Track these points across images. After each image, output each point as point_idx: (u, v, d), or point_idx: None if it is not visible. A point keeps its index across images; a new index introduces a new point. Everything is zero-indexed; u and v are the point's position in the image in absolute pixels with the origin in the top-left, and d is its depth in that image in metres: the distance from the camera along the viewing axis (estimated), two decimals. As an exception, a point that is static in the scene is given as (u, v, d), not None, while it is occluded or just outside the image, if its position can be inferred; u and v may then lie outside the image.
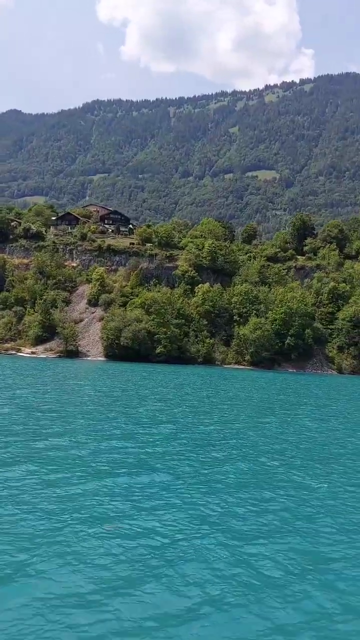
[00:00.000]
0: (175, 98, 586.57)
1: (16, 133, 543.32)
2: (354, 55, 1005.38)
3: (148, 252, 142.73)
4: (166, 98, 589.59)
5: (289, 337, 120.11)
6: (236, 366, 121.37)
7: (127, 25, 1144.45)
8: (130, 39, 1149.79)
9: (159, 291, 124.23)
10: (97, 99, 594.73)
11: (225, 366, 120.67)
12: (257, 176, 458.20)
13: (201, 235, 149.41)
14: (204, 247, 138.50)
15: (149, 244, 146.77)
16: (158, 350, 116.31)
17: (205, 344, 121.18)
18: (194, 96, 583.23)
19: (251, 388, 70.14)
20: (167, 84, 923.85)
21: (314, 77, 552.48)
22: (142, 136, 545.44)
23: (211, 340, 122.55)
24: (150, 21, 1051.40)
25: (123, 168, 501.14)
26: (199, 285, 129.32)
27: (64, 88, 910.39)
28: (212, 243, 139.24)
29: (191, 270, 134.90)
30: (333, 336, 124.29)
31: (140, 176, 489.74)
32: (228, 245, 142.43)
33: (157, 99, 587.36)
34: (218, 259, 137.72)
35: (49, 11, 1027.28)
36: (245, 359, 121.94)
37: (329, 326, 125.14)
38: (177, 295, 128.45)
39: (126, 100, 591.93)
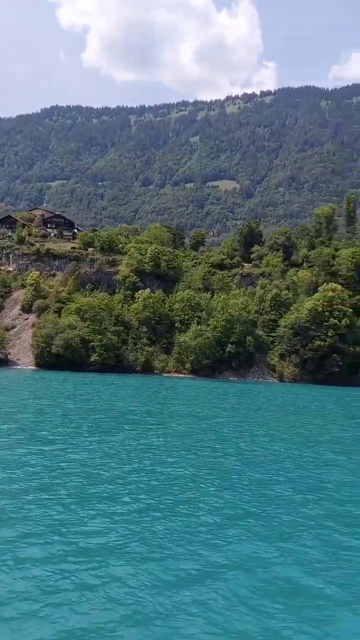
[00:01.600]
0: (137, 106, 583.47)
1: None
2: (313, 69, 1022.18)
3: (89, 256, 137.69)
4: (127, 106, 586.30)
5: (229, 345, 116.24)
6: (176, 375, 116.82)
7: (88, 32, 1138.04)
8: (91, 46, 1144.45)
9: (95, 296, 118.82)
10: (57, 105, 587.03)
11: (164, 375, 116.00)
12: (217, 186, 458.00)
13: (147, 241, 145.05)
14: (146, 252, 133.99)
15: (90, 249, 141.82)
16: (92, 359, 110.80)
17: (144, 352, 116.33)
18: (155, 105, 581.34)
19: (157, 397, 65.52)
20: (129, 93, 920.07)
21: (275, 90, 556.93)
22: (102, 143, 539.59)
23: (150, 348, 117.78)
24: (113, 30, 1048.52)
25: (82, 175, 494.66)
26: (140, 291, 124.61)
27: (23, 93, 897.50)
28: (155, 248, 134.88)
29: (132, 276, 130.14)
30: (275, 344, 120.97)
31: (99, 183, 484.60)
32: (172, 251, 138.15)
33: (117, 107, 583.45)
34: (161, 265, 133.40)
35: (7, 14, 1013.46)
36: (186, 367, 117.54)
37: (271, 334, 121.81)
38: (116, 301, 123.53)
39: (86, 107, 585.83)
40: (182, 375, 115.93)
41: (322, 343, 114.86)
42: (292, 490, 21.43)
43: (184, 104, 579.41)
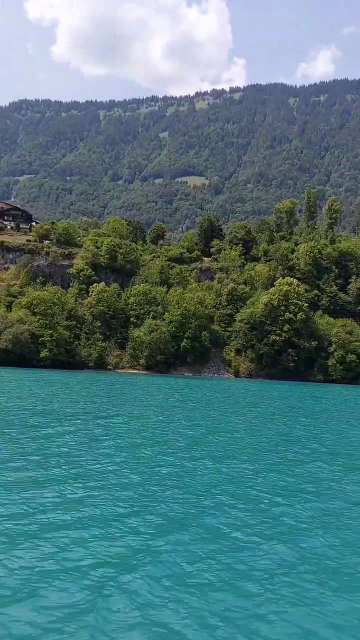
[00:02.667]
0: (106, 101, 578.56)
1: None
2: (283, 66, 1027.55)
3: (45, 249, 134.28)
4: (96, 100, 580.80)
5: (184, 340, 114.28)
6: (130, 370, 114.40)
7: (57, 26, 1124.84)
8: (60, 40, 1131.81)
9: (45, 290, 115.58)
10: (25, 99, 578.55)
11: (118, 371, 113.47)
12: (186, 182, 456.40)
13: (105, 234, 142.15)
14: (102, 245, 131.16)
15: (47, 241, 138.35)
16: (42, 355, 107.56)
17: (97, 347, 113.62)
18: (125, 100, 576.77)
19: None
20: (100, 87, 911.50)
21: (244, 86, 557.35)
22: (71, 138, 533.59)
23: (103, 344, 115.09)
24: (82, 24, 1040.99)
25: (50, 170, 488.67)
26: (94, 285, 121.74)
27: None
28: (112, 241, 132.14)
29: (87, 269, 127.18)
30: (231, 339, 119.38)
31: (68, 178, 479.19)
32: (128, 244, 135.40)
33: (87, 101, 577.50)
34: (118, 258, 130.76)
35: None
36: (140, 362, 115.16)
37: (227, 328, 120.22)
38: (70, 295, 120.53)
39: (55, 101, 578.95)
40: (136, 371, 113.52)
41: (278, 338, 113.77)
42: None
43: (154, 99, 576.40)
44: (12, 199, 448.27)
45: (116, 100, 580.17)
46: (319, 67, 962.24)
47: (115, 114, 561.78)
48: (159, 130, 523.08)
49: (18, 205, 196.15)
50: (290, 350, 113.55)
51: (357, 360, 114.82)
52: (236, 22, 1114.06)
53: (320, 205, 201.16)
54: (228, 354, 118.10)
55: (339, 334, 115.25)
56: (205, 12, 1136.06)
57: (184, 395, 62.21)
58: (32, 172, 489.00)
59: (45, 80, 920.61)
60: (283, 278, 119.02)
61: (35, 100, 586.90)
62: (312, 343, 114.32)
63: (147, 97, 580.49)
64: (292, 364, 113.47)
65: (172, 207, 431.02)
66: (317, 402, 65.19)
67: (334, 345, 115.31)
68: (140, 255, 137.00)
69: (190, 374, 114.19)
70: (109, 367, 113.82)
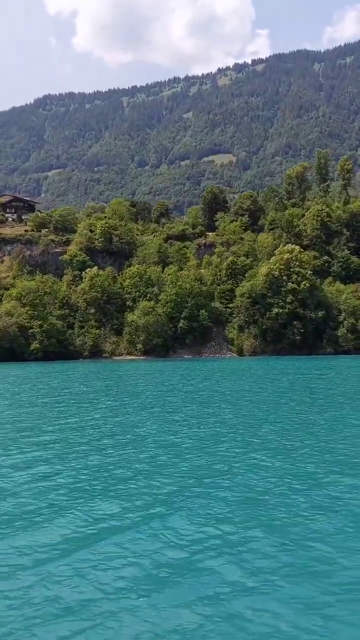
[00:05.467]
0: (128, 87, 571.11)
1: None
2: (308, 32, 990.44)
3: (42, 238, 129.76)
4: (119, 88, 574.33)
5: (181, 320, 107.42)
6: (127, 357, 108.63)
7: (77, 17, 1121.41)
8: (81, 30, 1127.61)
9: (33, 279, 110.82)
10: (49, 94, 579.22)
11: (115, 358, 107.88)
12: (213, 161, 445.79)
13: (104, 217, 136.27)
14: (96, 228, 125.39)
15: (44, 230, 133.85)
16: (33, 347, 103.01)
17: (91, 335, 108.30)
18: (147, 84, 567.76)
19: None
20: (123, 74, 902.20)
21: (266, 57, 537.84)
22: (97, 128, 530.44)
23: (98, 331, 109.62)
24: (100, 11, 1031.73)
25: (78, 162, 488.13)
26: (87, 270, 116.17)
27: (18, 84, 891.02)
28: (106, 223, 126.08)
29: (81, 255, 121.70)
30: (233, 315, 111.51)
31: (96, 169, 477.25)
32: (124, 224, 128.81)
33: (109, 90, 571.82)
34: (113, 240, 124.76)
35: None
36: (138, 348, 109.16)
37: (228, 305, 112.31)
38: (64, 283, 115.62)
39: (78, 93, 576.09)
40: (133, 357, 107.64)
41: (281, 310, 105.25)
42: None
43: (176, 80, 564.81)
44: (43, 195, 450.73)
45: (138, 86, 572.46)
46: (346, 29, 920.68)
47: (138, 100, 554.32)
48: (183, 111, 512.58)
49: (26, 197, 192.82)
50: (295, 322, 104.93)
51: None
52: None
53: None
54: (230, 332, 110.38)
55: (348, 301, 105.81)
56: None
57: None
58: (60, 166, 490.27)
59: (71, 72, 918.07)
60: (283, 246, 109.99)
61: (59, 94, 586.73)
62: (319, 313, 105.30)
63: (169, 79, 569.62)
64: (299, 337, 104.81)
65: (200, 187, 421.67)
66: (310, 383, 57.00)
67: (343, 314, 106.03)
68: (138, 236, 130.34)
69: (190, 356, 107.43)
70: (104, 354, 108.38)
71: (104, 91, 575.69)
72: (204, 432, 24.44)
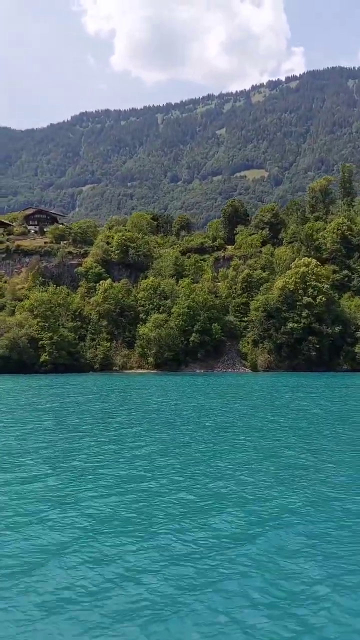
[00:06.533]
0: (163, 104, 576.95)
1: (5, 150, 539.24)
2: (342, 48, 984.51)
3: (61, 250, 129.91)
4: (154, 105, 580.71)
5: (193, 334, 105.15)
6: (138, 370, 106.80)
7: (115, 36, 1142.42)
8: (119, 49, 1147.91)
9: (44, 290, 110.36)
10: (85, 111, 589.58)
11: (125, 372, 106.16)
12: (245, 176, 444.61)
13: (124, 230, 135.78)
14: (113, 240, 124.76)
15: (63, 242, 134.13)
16: (42, 359, 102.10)
17: (102, 348, 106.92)
18: (181, 101, 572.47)
19: None
20: (160, 92, 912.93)
21: (300, 74, 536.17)
22: (131, 144, 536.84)
23: (109, 344, 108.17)
24: (138, 31, 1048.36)
25: (112, 177, 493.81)
26: (100, 282, 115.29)
27: (56, 103, 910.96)
28: (123, 235, 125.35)
29: (97, 267, 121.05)
30: (248, 329, 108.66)
31: (129, 184, 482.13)
32: (141, 237, 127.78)
33: (144, 107, 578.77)
34: (130, 253, 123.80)
35: (34, 28, 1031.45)
36: (149, 361, 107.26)
37: (243, 319, 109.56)
38: (77, 295, 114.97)
39: (114, 110, 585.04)
40: (144, 371, 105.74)
41: (296, 325, 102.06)
42: None
43: (210, 97, 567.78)
44: (77, 209, 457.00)
45: (173, 103, 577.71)
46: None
47: (172, 116, 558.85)
48: (216, 127, 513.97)
49: (52, 211, 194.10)
50: (311, 337, 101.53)
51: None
52: (291, 9, 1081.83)
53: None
54: (244, 346, 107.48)
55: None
56: (260, 4, 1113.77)
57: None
58: (95, 182, 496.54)
59: (107, 91, 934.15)
60: (299, 259, 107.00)
61: (96, 111, 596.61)
62: (336, 328, 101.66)
63: (203, 97, 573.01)
64: (314, 353, 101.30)
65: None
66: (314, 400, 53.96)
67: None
68: (155, 248, 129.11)
69: (202, 371, 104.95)
70: (115, 368, 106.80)
71: (139, 108, 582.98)
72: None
